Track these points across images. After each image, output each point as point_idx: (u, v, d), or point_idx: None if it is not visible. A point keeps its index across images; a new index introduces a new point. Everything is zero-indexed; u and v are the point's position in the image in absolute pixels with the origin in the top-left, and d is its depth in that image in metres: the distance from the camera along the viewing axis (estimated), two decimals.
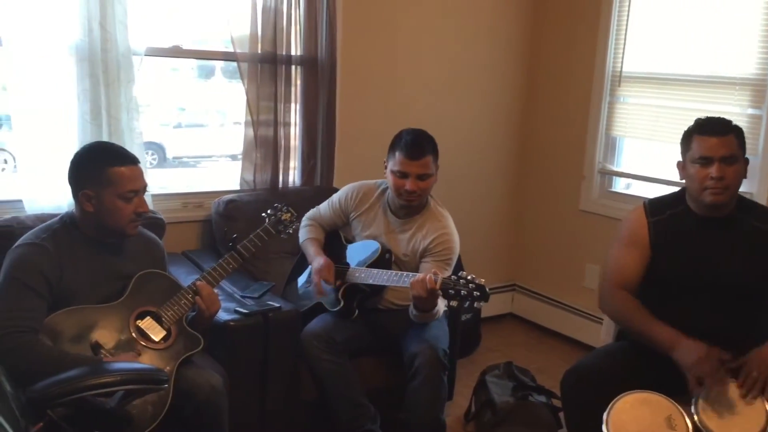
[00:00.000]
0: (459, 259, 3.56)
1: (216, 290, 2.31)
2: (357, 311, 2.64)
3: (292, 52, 3.24)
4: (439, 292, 2.29)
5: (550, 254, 4.18)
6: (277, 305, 2.57)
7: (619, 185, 3.89)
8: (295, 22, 3.21)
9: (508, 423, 2.78)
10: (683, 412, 2.12)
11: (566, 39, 3.96)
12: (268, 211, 2.54)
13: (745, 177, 2.27)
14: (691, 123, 2.31)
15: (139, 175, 2.17)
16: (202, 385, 2.13)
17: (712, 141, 2.20)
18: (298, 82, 3.32)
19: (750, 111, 3.17)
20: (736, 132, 2.25)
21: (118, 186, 2.11)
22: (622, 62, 3.66)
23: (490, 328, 4.08)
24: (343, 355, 2.59)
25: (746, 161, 2.29)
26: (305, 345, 2.57)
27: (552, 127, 4.10)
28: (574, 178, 3.97)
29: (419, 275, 2.35)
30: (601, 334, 2.68)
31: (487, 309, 4.12)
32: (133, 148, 2.79)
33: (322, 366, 2.55)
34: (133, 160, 2.17)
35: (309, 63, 3.30)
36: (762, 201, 3.07)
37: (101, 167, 2.11)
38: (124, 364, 1.99)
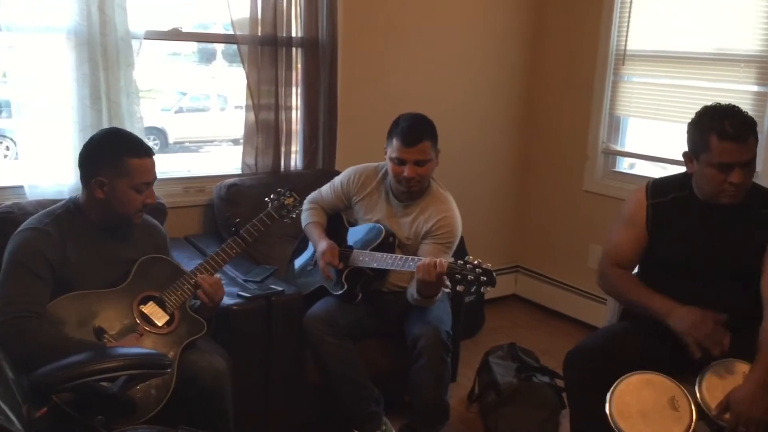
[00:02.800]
0: (462, 241, 3.56)
1: (219, 275, 2.30)
2: (360, 295, 2.64)
3: (293, 34, 3.22)
4: (446, 276, 2.29)
5: (554, 235, 4.16)
6: (280, 289, 2.57)
7: (624, 165, 3.87)
8: (295, 4, 3.19)
9: (511, 404, 2.79)
10: (687, 393, 2.12)
11: (570, 17, 3.91)
12: (271, 196, 2.54)
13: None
14: (700, 104, 2.23)
15: (153, 166, 2.18)
16: (205, 369, 2.14)
17: (734, 147, 2.09)
18: (299, 64, 3.29)
19: (756, 88, 3.13)
20: (754, 131, 2.15)
21: (134, 177, 2.12)
22: (626, 41, 3.62)
23: (493, 310, 4.08)
24: (346, 338, 2.59)
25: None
26: (308, 328, 2.57)
27: (556, 107, 4.06)
28: (578, 158, 3.95)
29: (426, 259, 2.35)
30: (605, 315, 2.68)
31: (491, 290, 4.12)
32: (134, 133, 2.78)
33: (326, 349, 2.56)
34: (148, 152, 2.18)
35: (310, 45, 3.27)
36: (767, 180, 3.04)
37: (119, 156, 2.11)
38: (127, 349, 1.99)
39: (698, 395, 2.11)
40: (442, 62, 3.83)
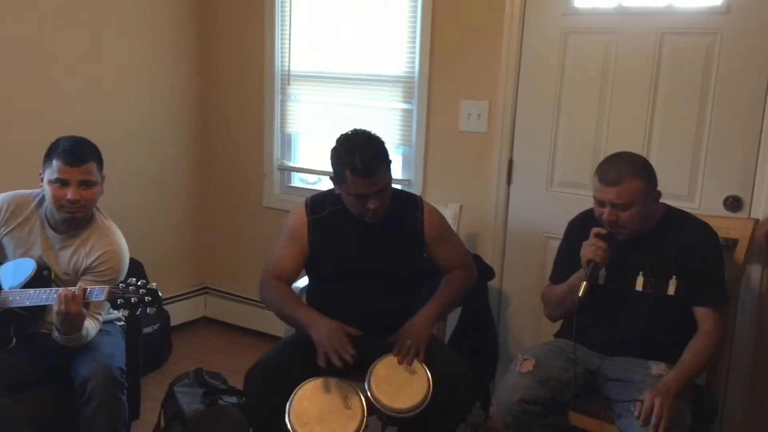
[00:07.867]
0: (142, 269, 3.39)
1: None
2: (15, 339, 2.36)
3: None
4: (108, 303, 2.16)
5: (239, 253, 4.17)
6: None
7: (299, 180, 4.02)
8: None
9: (198, 431, 2.71)
10: (358, 391, 2.27)
11: (236, 38, 3.96)
12: None
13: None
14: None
15: None
16: None
17: (365, 182, 2.27)
18: None
19: (403, 106, 3.48)
20: (384, 160, 2.33)
21: None
22: (289, 62, 3.78)
23: (182, 336, 3.95)
24: (1, 391, 2.27)
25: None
26: None
27: (231, 126, 4.08)
28: (256, 175, 4.01)
29: (64, 289, 2.20)
30: (284, 327, 2.74)
31: (178, 315, 3.99)
32: None
33: None
34: None
35: None
36: (418, 186, 3.41)
37: None
38: None
39: (368, 391, 2.26)
40: (100, 81, 3.59)
